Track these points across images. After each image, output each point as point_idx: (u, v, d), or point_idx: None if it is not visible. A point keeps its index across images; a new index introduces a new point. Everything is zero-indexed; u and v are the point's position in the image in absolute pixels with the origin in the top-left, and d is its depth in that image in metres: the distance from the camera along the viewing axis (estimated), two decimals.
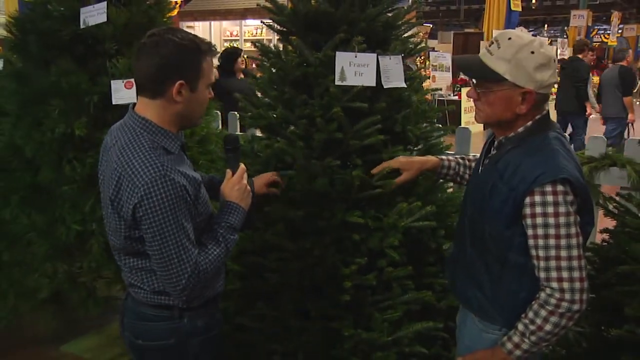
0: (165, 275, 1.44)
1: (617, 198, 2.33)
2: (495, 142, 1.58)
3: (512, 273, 1.49)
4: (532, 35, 1.56)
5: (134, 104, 1.52)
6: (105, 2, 2.55)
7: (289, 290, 2.04)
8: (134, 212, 1.39)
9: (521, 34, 1.48)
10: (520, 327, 1.44)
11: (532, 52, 1.43)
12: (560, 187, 1.37)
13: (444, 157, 1.92)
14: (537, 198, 1.38)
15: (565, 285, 1.37)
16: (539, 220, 1.38)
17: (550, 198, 1.37)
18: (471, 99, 1.56)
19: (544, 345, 1.44)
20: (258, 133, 2.48)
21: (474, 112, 1.58)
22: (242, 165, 1.64)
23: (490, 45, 1.49)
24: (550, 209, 1.37)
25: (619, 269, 1.90)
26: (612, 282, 1.92)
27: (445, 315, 2.07)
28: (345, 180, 2.00)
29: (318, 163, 2.00)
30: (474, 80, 1.54)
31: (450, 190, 2.41)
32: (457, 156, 1.95)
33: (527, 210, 1.40)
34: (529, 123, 1.49)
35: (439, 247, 2.13)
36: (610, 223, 2.24)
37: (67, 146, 2.58)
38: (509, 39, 1.45)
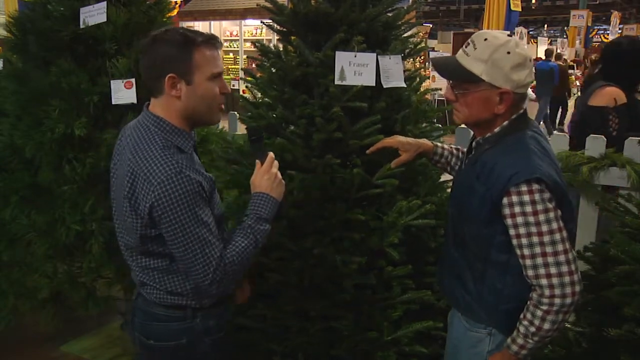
0: (192, 271, 1.43)
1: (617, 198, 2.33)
2: (473, 143, 1.60)
3: (494, 271, 1.50)
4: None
5: (148, 103, 1.53)
6: (105, 2, 2.55)
7: (289, 290, 2.04)
8: (151, 211, 1.38)
9: (497, 34, 1.48)
10: (522, 329, 1.45)
11: (509, 52, 1.43)
12: (535, 186, 1.37)
13: (438, 144, 1.92)
14: (514, 198, 1.39)
15: (555, 280, 1.38)
16: (519, 219, 1.39)
17: (526, 197, 1.38)
18: None
19: (548, 340, 1.46)
20: None
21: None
22: (270, 154, 1.61)
23: (466, 47, 1.49)
24: (529, 208, 1.38)
25: (619, 269, 1.90)
26: (612, 282, 1.92)
27: (445, 314, 2.06)
28: (345, 180, 2.00)
29: (318, 162, 2.00)
30: (451, 82, 1.54)
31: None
32: (452, 146, 1.95)
33: (507, 211, 1.41)
34: (505, 123, 1.50)
35: (439, 246, 2.13)
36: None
37: (67, 146, 2.58)
38: (485, 39, 1.46)
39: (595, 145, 2.74)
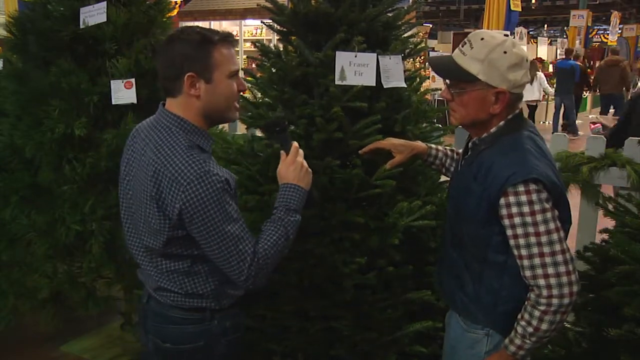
0: (227, 268, 1.43)
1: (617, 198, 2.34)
2: (470, 144, 1.59)
3: (492, 272, 1.50)
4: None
5: (164, 103, 1.51)
6: (105, 2, 2.55)
7: (289, 290, 2.04)
8: (181, 212, 1.37)
9: (494, 33, 1.48)
10: (520, 329, 1.44)
11: (505, 52, 1.43)
12: (532, 186, 1.37)
13: (432, 145, 1.93)
14: (512, 199, 1.38)
15: (552, 280, 1.38)
16: (517, 220, 1.38)
17: (524, 198, 1.37)
18: None
19: (546, 340, 1.46)
20: (258, 133, 2.48)
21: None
22: (294, 144, 1.61)
23: (462, 46, 1.49)
24: (526, 208, 1.37)
25: (619, 269, 1.90)
26: (612, 282, 1.92)
27: (445, 314, 2.07)
28: (345, 180, 2.00)
29: (318, 163, 2.00)
30: (447, 81, 1.54)
31: None
32: (446, 147, 1.96)
33: (504, 211, 1.40)
34: (502, 123, 1.49)
35: (439, 246, 2.13)
36: (610, 223, 2.24)
37: (67, 146, 2.58)
38: (482, 39, 1.45)
39: (595, 145, 2.74)
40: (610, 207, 2.30)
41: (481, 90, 1.46)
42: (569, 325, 2.10)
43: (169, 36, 1.48)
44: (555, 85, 11.45)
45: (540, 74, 10.92)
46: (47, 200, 2.63)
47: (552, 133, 9.19)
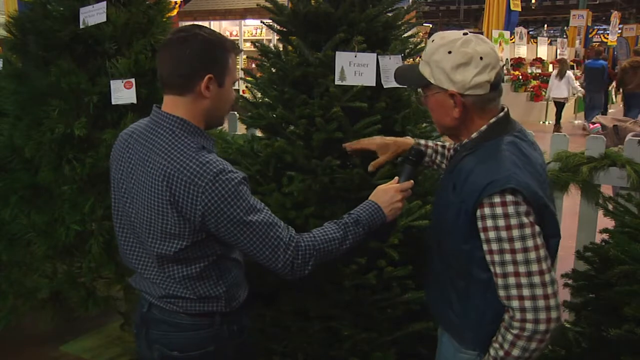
0: (263, 259, 1.41)
1: (617, 198, 2.34)
2: (452, 150, 1.53)
3: (477, 289, 1.38)
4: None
5: (157, 105, 1.48)
6: (105, 2, 2.55)
7: (289, 290, 2.04)
8: (204, 215, 1.35)
9: (447, 33, 1.41)
10: (492, 351, 1.33)
11: (450, 52, 1.34)
12: (509, 198, 1.25)
13: (421, 141, 1.85)
14: (487, 210, 1.26)
15: (527, 304, 1.25)
16: (492, 234, 1.27)
17: (499, 210, 1.25)
18: None
19: None
20: (258, 133, 2.49)
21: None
22: (411, 182, 1.63)
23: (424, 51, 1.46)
24: (501, 222, 1.25)
25: (619, 269, 1.90)
26: (612, 282, 1.92)
27: None
28: (345, 179, 2.00)
29: (318, 163, 2.00)
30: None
31: None
32: (437, 143, 1.88)
33: (479, 224, 1.29)
34: (484, 127, 1.39)
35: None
36: (610, 223, 2.24)
37: (67, 146, 2.58)
38: (432, 41, 1.40)
39: (595, 145, 2.74)
40: (610, 207, 2.30)
41: (438, 94, 1.39)
42: (569, 325, 2.10)
43: (188, 32, 1.43)
44: (584, 84, 11.76)
45: (569, 73, 11.27)
46: (47, 200, 2.63)
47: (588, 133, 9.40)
